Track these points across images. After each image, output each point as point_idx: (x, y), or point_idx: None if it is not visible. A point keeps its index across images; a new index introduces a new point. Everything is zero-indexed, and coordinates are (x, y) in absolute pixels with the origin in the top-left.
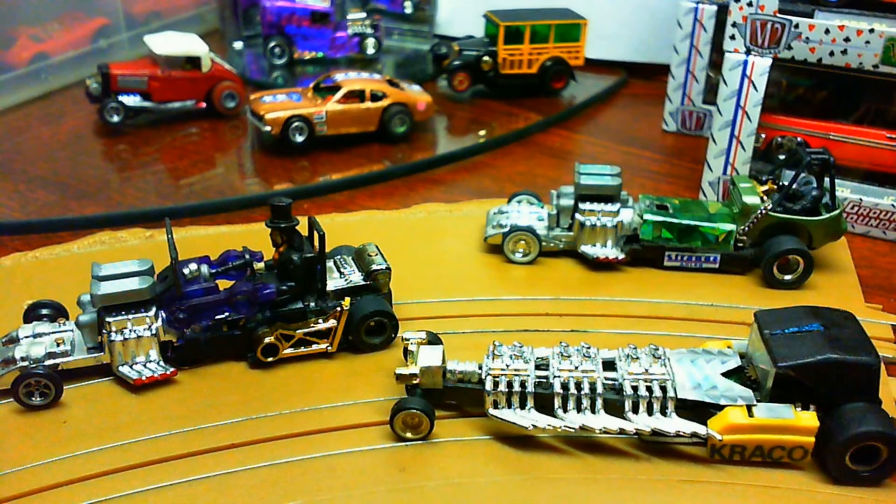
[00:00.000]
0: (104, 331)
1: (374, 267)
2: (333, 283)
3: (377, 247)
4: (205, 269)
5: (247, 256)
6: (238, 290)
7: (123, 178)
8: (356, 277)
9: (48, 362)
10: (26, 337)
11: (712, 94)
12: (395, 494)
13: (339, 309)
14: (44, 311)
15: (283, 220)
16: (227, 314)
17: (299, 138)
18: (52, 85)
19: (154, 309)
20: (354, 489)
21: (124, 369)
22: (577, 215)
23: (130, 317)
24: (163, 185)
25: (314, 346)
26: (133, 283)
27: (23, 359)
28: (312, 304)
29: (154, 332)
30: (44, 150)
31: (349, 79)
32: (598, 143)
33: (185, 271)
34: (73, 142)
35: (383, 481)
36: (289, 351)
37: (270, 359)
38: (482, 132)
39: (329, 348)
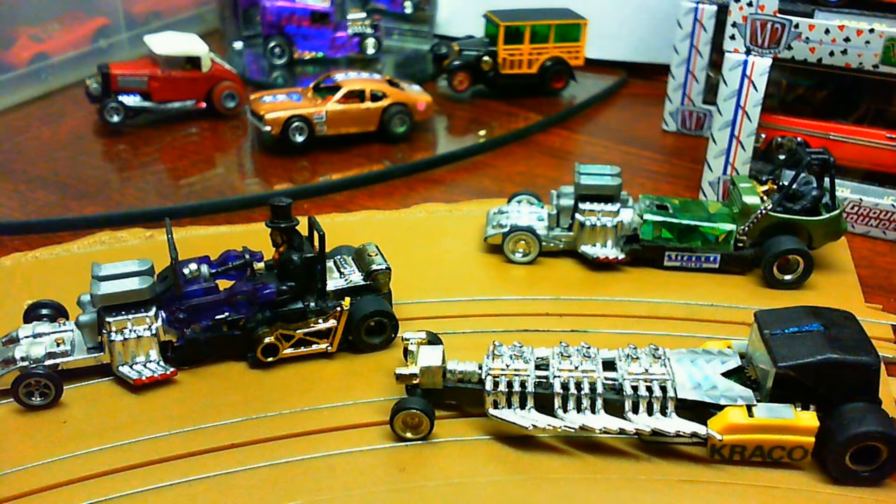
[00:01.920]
0: (104, 331)
1: (374, 267)
2: (333, 283)
3: (377, 247)
4: (205, 269)
5: (247, 256)
6: (238, 290)
7: (123, 178)
8: (356, 277)
9: (48, 362)
10: (26, 337)
11: (712, 94)
12: (394, 494)
13: (339, 309)
14: (44, 311)
15: (283, 220)
16: (227, 314)
17: (299, 138)
18: (52, 85)
19: (154, 309)
20: (354, 489)
21: (124, 369)
22: (577, 215)
23: (130, 317)
24: (163, 185)
25: (314, 346)
26: (133, 283)
27: (23, 359)
28: (312, 304)
29: (154, 332)
30: (44, 150)
31: (349, 79)
32: (598, 143)
33: (185, 271)
34: (73, 142)
35: (383, 481)
36: (289, 351)
37: (270, 359)
38: (482, 132)
39: (329, 348)
